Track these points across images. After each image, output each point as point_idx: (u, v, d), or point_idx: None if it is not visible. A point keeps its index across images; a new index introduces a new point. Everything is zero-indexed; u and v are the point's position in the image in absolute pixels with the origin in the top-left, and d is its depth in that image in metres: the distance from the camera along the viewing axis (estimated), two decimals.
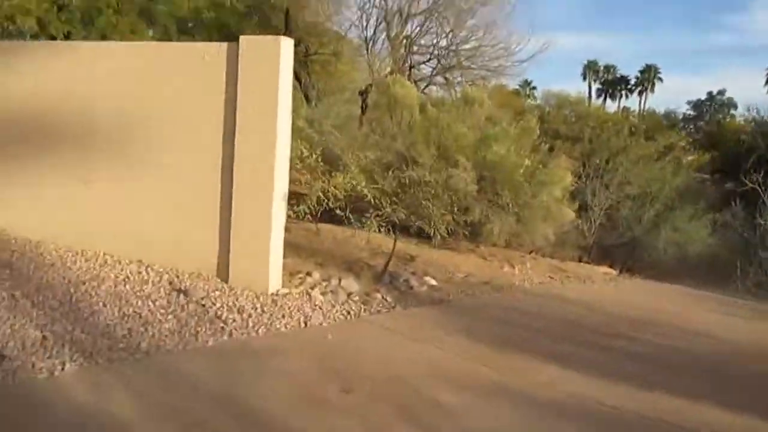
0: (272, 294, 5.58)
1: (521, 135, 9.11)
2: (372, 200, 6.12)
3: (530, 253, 10.54)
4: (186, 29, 12.94)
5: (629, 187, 14.47)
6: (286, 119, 5.64)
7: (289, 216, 6.89)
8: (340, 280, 6.24)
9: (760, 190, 7.91)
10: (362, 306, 5.67)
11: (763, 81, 52.33)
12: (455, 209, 6.39)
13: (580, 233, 13.07)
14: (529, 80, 48.70)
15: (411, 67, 15.59)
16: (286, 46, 5.50)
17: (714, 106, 59.76)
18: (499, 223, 7.88)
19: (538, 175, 8.73)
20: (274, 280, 5.73)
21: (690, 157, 23.54)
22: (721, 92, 59.67)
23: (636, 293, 8.25)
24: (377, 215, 6.13)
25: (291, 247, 7.34)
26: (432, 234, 6.58)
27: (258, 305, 5.26)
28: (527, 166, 8.33)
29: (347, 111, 14.28)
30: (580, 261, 12.47)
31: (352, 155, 6.31)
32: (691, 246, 13.58)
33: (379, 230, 6.39)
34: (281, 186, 5.66)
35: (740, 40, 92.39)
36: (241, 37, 5.60)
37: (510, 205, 7.86)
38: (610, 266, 12.72)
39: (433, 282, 6.86)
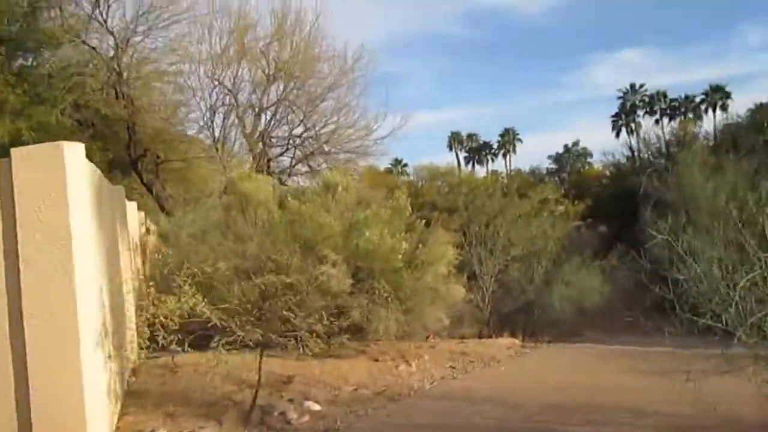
0: None
1: (393, 215, 8.24)
2: (218, 323, 4.90)
3: (428, 338, 9.56)
4: (7, 154, 11.12)
5: (514, 249, 14.07)
6: (88, 240, 4.37)
7: (148, 350, 5.53)
8: None
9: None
10: None
11: (610, 128, 56.06)
12: (325, 316, 5.28)
13: (475, 306, 12.36)
14: (399, 158, 49.31)
15: (269, 161, 14.65)
16: (74, 152, 4.29)
17: (572, 157, 63.27)
18: (383, 320, 6.84)
19: (418, 256, 7.86)
20: None
21: (561, 208, 24.13)
22: (576, 143, 63.49)
23: (546, 366, 7.42)
24: (227, 342, 4.89)
25: (134, 398, 5.86)
26: (301, 350, 5.41)
27: None
28: (405, 249, 7.42)
29: (208, 217, 13.00)
30: (480, 337, 11.69)
31: (184, 272, 5.09)
32: (586, 297, 13.22)
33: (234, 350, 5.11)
34: (94, 326, 4.32)
35: (582, 94, 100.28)
36: (13, 150, 4.35)
37: (390, 299, 6.86)
38: (512, 335, 12.03)
39: (317, 407, 5.66)
